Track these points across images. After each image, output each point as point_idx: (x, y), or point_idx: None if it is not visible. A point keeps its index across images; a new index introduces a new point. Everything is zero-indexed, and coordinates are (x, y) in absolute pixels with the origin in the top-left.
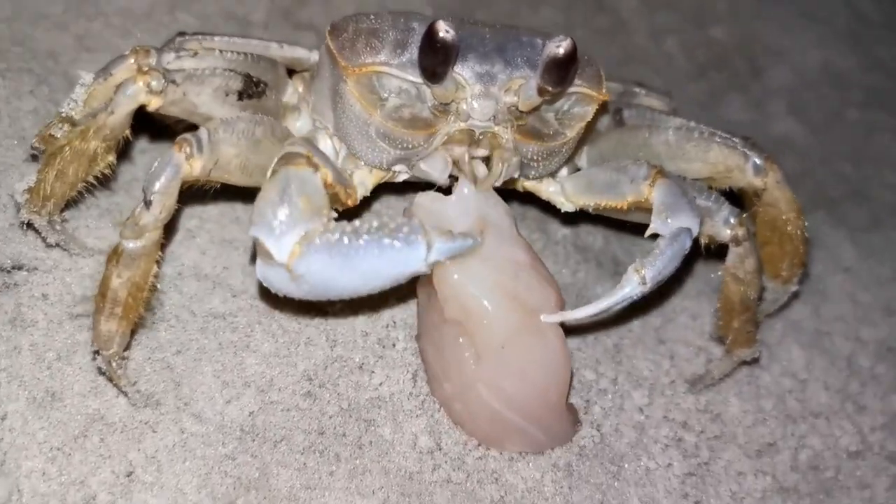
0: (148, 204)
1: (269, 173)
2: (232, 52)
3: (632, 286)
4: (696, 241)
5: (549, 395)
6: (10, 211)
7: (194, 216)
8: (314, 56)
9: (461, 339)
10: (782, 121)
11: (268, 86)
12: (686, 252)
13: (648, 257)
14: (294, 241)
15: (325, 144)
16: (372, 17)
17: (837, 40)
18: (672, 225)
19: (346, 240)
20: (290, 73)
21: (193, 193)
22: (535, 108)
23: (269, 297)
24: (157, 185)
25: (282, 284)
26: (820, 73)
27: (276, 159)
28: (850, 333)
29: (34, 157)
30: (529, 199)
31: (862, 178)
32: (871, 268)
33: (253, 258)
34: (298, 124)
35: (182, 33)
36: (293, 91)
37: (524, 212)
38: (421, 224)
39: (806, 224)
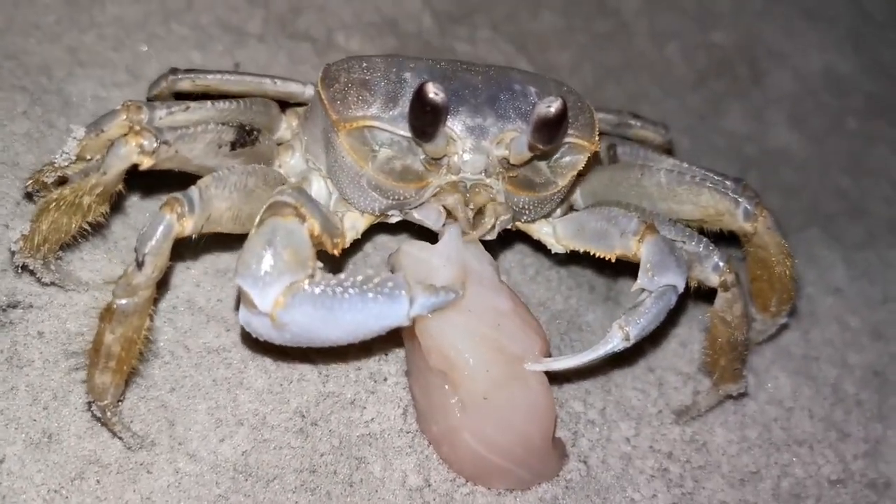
0: (140, 264)
1: (256, 221)
2: (224, 101)
3: (616, 342)
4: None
5: (532, 439)
6: (4, 244)
7: (189, 247)
8: (308, 90)
9: (446, 387)
10: (781, 132)
11: (261, 132)
12: (671, 308)
13: (633, 314)
14: (278, 292)
15: (318, 186)
16: (364, 64)
17: (840, 42)
18: (658, 282)
19: (329, 292)
20: (284, 105)
21: None
22: (527, 162)
23: None
24: (149, 247)
25: (264, 331)
26: (821, 78)
27: (264, 208)
28: (837, 359)
29: (29, 196)
30: None
31: (859, 192)
32: (862, 289)
33: (237, 304)
34: (292, 162)
35: (174, 70)
36: (287, 127)
37: (517, 237)
38: (405, 279)
39: (795, 264)
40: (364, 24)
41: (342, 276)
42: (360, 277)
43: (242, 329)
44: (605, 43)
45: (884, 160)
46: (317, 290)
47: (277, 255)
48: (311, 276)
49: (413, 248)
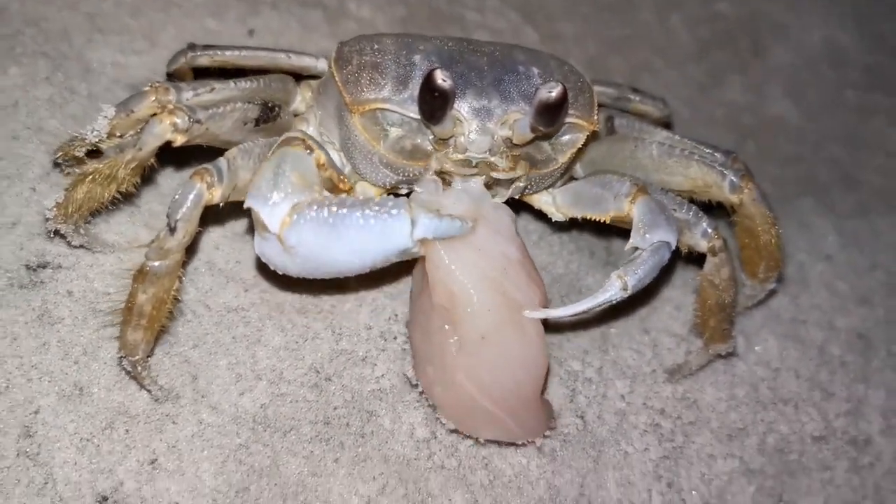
0: (172, 230)
1: (269, 154)
2: (245, 80)
3: (614, 291)
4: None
5: (523, 388)
6: (33, 206)
7: (209, 211)
8: (321, 63)
9: (446, 327)
10: (779, 103)
11: (281, 108)
12: (664, 264)
13: (631, 265)
14: (285, 210)
15: (332, 157)
16: (375, 46)
17: (843, 16)
18: (650, 239)
19: (332, 209)
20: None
21: None
22: (529, 142)
23: (279, 291)
24: (181, 213)
25: (276, 257)
26: (821, 51)
27: (276, 143)
28: (824, 322)
29: (57, 164)
30: None
31: (854, 163)
32: (852, 256)
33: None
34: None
35: (192, 46)
36: (301, 99)
37: (519, 206)
38: (406, 201)
39: (780, 233)
40: None
41: (344, 195)
42: (361, 198)
43: (262, 287)
44: (610, 14)
45: (879, 131)
46: (322, 209)
47: (285, 178)
48: (316, 198)
49: (423, 192)
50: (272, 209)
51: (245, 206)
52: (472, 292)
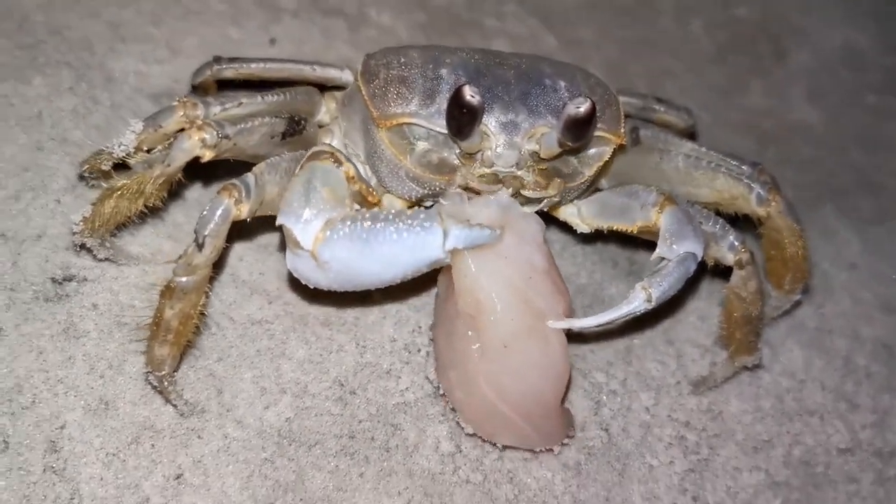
0: (200, 246)
1: (297, 169)
2: (272, 94)
3: (638, 302)
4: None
5: (544, 396)
6: (58, 218)
7: (233, 224)
8: (345, 75)
9: (470, 333)
10: (800, 107)
11: (307, 120)
12: (690, 275)
13: (656, 277)
14: (318, 227)
15: (359, 170)
16: (402, 59)
17: (861, 18)
18: (677, 250)
19: (365, 224)
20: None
21: None
22: (556, 157)
23: (303, 304)
24: (209, 229)
25: (309, 273)
26: (841, 54)
27: (304, 157)
28: (849, 332)
29: (82, 177)
30: None
31: (873, 167)
32: (874, 264)
33: (283, 247)
34: (332, 145)
35: (218, 59)
36: (326, 111)
37: (543, 218)
38: (438, 212)
39: (807, 245)
40: None
41: (376, 210)
42: (394, 211)
43: (285, 299)
44: (629, 19)
45: None
46: (354, 224)
47: (316, 193)
48: (349, 213)
49: (448, 202)
50: (305, 226)
51: (277, 223)
52: (496, 300)
